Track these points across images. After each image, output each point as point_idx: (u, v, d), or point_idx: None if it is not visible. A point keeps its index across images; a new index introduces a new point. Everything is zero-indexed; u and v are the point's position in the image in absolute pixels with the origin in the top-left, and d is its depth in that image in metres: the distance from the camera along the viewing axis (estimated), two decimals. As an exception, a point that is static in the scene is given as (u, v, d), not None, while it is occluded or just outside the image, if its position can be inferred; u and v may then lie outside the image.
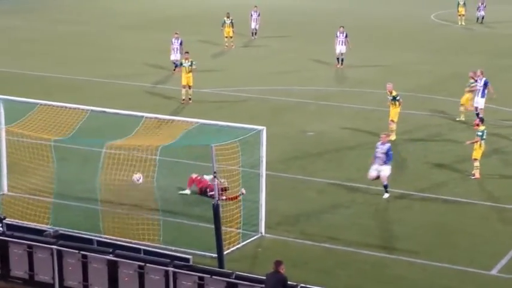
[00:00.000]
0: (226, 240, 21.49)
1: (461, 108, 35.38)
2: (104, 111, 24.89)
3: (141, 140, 23.42)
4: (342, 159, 30.35)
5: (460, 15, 63.61)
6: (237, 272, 18.56)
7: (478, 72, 34.74)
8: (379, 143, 26.49)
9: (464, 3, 63.41)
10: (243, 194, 24.60)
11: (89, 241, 20.46)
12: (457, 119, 35.30)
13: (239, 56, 50.85)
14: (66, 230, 21.66)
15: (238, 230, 22.74)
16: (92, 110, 24.44)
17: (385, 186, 26.18)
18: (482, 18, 64.14)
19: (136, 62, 47.54)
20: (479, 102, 34.35)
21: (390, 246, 22.72)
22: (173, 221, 23.78)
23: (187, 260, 19.41)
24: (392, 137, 31.88)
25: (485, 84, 34.29)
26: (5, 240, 20.15)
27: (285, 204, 25.39)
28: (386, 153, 26.10)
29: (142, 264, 18.89)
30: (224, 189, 24.64)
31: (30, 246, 19.87)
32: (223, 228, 20.93)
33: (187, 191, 26.05)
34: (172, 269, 18.65)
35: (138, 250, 20.01)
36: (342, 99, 39.22)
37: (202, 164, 26.38)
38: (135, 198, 24.84)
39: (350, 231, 23.72)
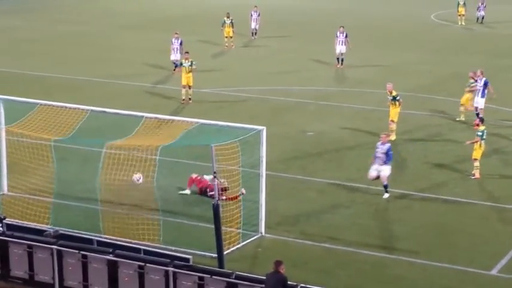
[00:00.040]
0: (226, 240, 21.49)
1: (461, 108, 35.39)
2: (104, 111, 24.89)
3: (141, 140, 23.42)
4: (341, 159, 30.35)
5: (460, 15, 63.60)
6: (237, 272, 18.56)
7: (478, 73, 34.74)
8: (379, 143, 26.49)
9: (464, 3, 63.40)
10: (243, 194, 24.60)
11: (89, 241, 20.46)
12: (457, 119, 35.30)
13: (239, 56, 50.85)
14: (66, 230, 21.66)
15: (238, 230, 22.74)
16: (91, 110, 24.44)
17: (385, 186, 26.19)
18: (482, 18, 64.12)
19: (136, 62, 47.54)
20: (479, 102, 34.35)
21: (390, 246, 22.72)
22: (173, 221, 23.78)
23: (187, 260, 19.41)
24: (393, 137, 31.89)
25: (485, 84, 34.29)
26: (5, 240, 20.15)
27: (285, 204, 25.39)
28: (386, 153, 26.10)
29: (142, 264, 18.89)
30: (224, 189, 24.64)
31: (30, 246, 19.87)
32: (223, 228, 20.93)
33: (187, 191, 26.05)
34: (172, 269, 18.65)
35: (138, 250, 20.01)
36: (341, 99, 39.23)
37: (202, 164, 26.38)
38: (135, 198, 24.84)
39: (350, 231, 23.73)
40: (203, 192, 25.79)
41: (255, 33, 56.49)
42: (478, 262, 21.74)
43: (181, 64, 38.95)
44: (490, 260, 21.87)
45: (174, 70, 43.63)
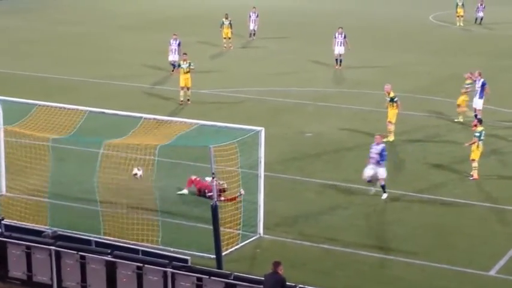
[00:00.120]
0: (225, 241, 21.50)
1: (459, 110, 35.43)
2: (103, 112, 24.89)
3: (139, 140, 23.41)
4: (340, 160, 30.35)
5: (458, 16, 63.61)
6: (236, 273, 18.58)
7: (476, 73, 34.77)
8: (373, 144, 26.57)
9: (462, 4, 63.41)
10: (241, 194, 24.61)
11: (87, 242, 20.48)
12: (455, 120, 35.32)
13: (238, 57, 50.85)
14: (65, 230, 21.68)
15: (237, 231, 22.73)
16: (90, 111, 24.43)
17: (383, 187, 26.21)
18: (481, 19, 64.08)
19: (134, 62, 47.53)
20: (478, 103, 34.37)
21: (389, 247, 22.72)
22: (172, 222, 23.77)
23: (185, 260, 19.43)
24: (391, 138, 31.91)
25: (483, 85, 34.31)
26: (3, 241, 20.15)
27: (283, 205, 25.40)
28: (380, 154, 26.16)
29: (141, 265, 18.90)
30: (223, 190, 24.64)
31: (28, 247, 19.88)
32: (221, 229, 20.95)
33: (185, 191, 26.04)
34: (170, 269, 18.66)
35: (136, 251, 20.02)
36: (340, 100, 39.24)
37: (201, 165, 26.39)
38: (134, 198, 24.82)
39: (348, 232, 23.73)
40: (202, 193, 25.79)
41: (254, 34, 56.51)
42: (476, 263, 21.75)
43: (179, 65, 38.93)
44: (489, 261, 21.88)
45: (172, 71, 43.63)
